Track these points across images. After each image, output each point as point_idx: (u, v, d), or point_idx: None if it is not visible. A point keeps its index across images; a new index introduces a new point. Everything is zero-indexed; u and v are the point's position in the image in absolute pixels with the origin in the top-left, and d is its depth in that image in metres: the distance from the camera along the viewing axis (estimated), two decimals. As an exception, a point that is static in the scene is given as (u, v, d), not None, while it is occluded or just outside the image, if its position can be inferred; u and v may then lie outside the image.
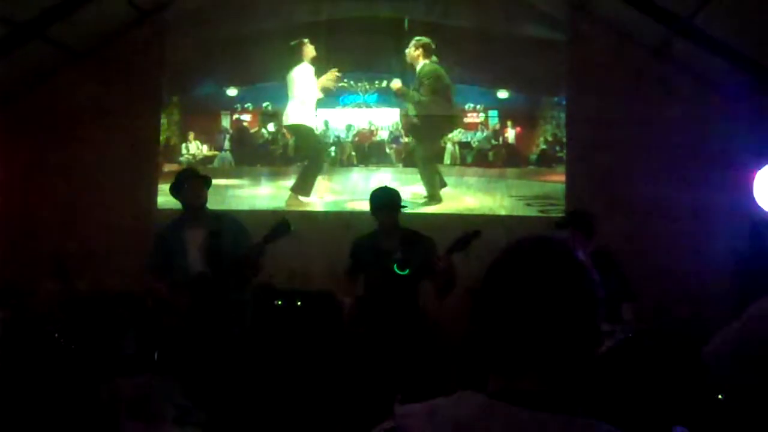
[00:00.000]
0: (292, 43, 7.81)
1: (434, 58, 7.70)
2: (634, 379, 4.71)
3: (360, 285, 5.08)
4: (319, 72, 7.83)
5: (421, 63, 7.72)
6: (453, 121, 7.80)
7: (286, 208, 7.62)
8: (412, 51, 7.71)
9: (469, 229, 4.63)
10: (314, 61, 7.82)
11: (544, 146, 7.65)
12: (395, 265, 4.68)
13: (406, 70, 7.77)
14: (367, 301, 4.92)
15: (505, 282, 1.37)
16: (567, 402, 1.29)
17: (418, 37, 7.69)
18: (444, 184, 7.71)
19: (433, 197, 7.68)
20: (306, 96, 7.86)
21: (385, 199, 4.94)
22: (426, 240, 4.93)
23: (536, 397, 1.28)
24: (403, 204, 5.01)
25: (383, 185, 5.36)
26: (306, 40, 7.80)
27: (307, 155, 7.91)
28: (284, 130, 7.95)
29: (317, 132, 7.88)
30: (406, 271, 4.67)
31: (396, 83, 7.73)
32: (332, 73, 7.80)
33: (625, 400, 4.42)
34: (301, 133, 7.92)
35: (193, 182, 5.05)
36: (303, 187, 7.84)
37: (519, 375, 1.31)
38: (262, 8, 7.91)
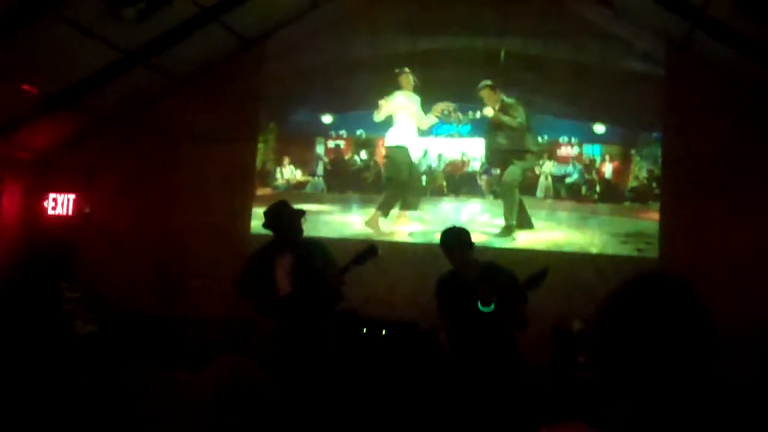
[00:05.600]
0: (396, 70, 7.90)
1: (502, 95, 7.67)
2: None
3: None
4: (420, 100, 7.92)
5: (498, 100, 7.66)
6: (534, 154, 7.71)
7: (366, 231, 7.75)
8: (485, 95, 7.69)
9: (537, 270, 4.60)
10: (415, 90, 7.89)
11: (639, 182, 7.47)
12: (479, 302, 4.64)
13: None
14: (458, 338, 4.89)
15: (625, 317, 1.39)
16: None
17: (484, 82, 7.65)
18: (530, 226, 7.59)
19: (509, 228, 7.56)
20: (406, 122, 7.91)
21: (450, 240, 4.94)
22: (505, 272, 4.88)
23: (633, 425, 1.32)
24: (472, 242, 4.99)
25: (451, 225, 5.33)
26: (407, 70, 7.87)
27: (393, 177, 7.96)
28: (376, 158, 8.02)
29: (412, 157, 7.92)
30: (491, 307, 4.62)
31: (488, 111, 7.68)
32: (446, 104, 7.84)
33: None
34: (395, 154, 7.96)
35: (298, 220, 5.10)
36: (384, 205, 7.91)
37: (626, 405, 1.35)
38: (359, 39, 8.04)
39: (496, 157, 7.76)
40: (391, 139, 7.94)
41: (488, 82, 7.65)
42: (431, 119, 7.88)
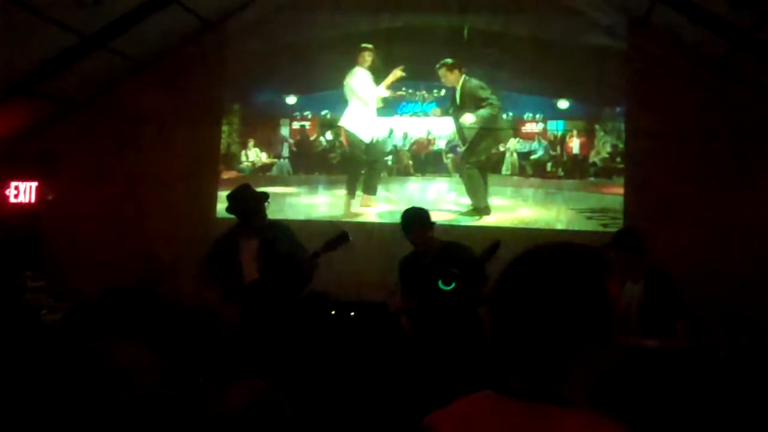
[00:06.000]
0: (363, 45, 7.86)
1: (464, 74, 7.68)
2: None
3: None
4: (378, 80, 7.86)
5: (461, 80, 7.67)
6: (501, 133, 7.72)
7: (332, 213, 7.74)
8: (442, 74, 7.69)
9: (491, 242, 4.69)
10: (373, 69, 7.86)
11: (602, 157, 7.51)
12: (440, 282, 4.67)
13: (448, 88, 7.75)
14: (421, 317, 4.92)
15: (518, 282, 1.42)
16: (564, 396, 1.33)
17: (442, 61, 7.67)
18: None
19: (478, 209, 7.59)
20: (363, 100, 7.89)
21: (409, 220, 4.99)
22: (465, 250, 4.92)
23: (534, 391, 1.34)
24: (432, 222, 5.02)
25: (410, 206, 5.35)
26: (370, 47, 7.83)
27: (353, 158, 7.96)
28: (341, 138, 7.98)
29: (373, 141, 7.90)
30: (452, 285, 4.65)
31: (468, 118, 7.67)
32: (399, 71, 7.78)
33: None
34: (352, 136, 7.95)
35: (262, 204, 5.07)
36: (355, 187, 7.95)
37: (525, 372, 1.37)
38: (321, 18, 7.96)
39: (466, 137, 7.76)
40: (347, 120, 7.91)
41: (447, 61, 7.63)
42: (390, 89, 7.85)
